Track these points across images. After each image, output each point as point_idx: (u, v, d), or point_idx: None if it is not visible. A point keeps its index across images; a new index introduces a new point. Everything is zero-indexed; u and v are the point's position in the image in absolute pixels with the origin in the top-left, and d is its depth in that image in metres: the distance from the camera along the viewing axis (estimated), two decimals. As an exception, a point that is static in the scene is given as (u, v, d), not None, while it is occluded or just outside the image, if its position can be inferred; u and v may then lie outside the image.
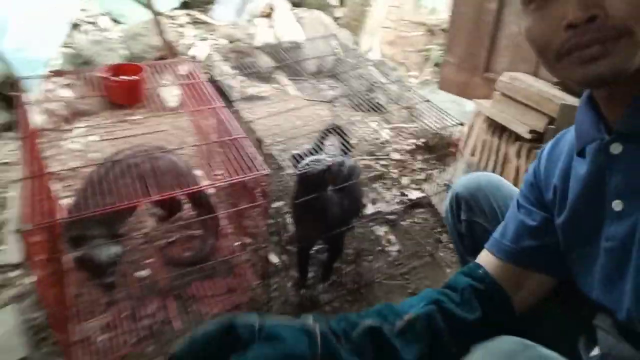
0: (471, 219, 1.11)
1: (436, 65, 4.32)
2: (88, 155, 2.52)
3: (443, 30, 4.45)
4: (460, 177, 1.26)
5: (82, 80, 2.92)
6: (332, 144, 2.09)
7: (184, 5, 3.88)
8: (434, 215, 2.25)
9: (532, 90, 2.16)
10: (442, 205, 2.08)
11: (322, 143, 1.89)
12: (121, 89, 1.59)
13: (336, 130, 1.90)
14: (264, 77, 3.23)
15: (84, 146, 2.62)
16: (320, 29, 3.52)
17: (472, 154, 2.44)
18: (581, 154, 0.77)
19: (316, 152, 1.78)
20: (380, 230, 2.14)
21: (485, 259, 0.92)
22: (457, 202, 1.15)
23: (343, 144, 1.88)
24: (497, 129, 2.33)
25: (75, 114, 2.84)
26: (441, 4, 4.95)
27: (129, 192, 1.25)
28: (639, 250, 0.67)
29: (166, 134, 2.66)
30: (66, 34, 3.29)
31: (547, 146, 0.91)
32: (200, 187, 1.64)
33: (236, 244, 1.95)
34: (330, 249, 1.77)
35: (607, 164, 0.71)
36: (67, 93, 2.89)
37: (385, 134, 2.93)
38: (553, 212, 0.85)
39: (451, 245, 2.09)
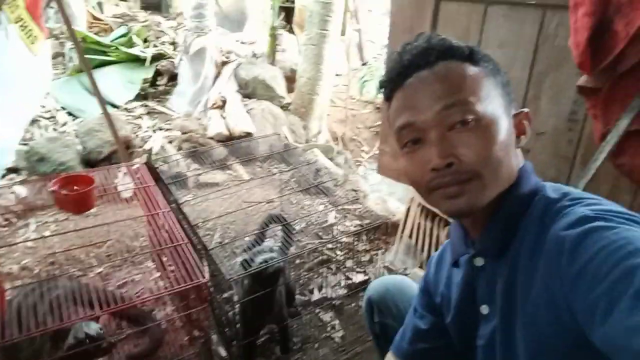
0: (383, 320, 1.25)
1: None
2: (41, 252, 2.55)
3: None
4: (372, 282, 1.41)
5: (36, 177, 3.03)
6: (274, 232, 2.24)
7: (142, 97, 4.09)
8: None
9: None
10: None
11: (263, 234, 2.05)
12: (71, 200, 1.70)
13: (277, 219, 2.06)
14: (217, 165, 3.41)
15: (36, 242, 2.66)
16: (269, 118, 3.77)
17: (410, 236, 2.64)
18: (456, 264, 0.94)
19: (258, 243, 1.94)
20: (327, 316, 2.25)
21: (391, 359, 1.07)
22: (370, 305, 1.29)
23: (285, 232, 2.03)
24: (430, 213, 2.55)
25: (28, 210, 2.89)
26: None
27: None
28: (500, 348, 0.82)
29: (119, 225, 2.74)
30: (24, 130, 3.40)
31: (435, 256, 1.09)
32: (135, 302, 1.73)
33: (185, 338, 2.01)
34: (281, 336, 1.91)
35: (474, 274, 0.88)
36: (21, 189, 2.96)
37: (332, 216, 3.11)
38: (443, 315, 1.01)
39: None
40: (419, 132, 0.80)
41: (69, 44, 4.37)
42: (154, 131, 3.54)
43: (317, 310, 2.25)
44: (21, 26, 2.38)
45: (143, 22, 4.82)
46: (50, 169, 2.93)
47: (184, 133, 3.45)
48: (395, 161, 3.02)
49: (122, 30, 4.58)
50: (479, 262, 0.86)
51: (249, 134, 3.54)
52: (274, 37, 4.49)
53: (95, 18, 5.02)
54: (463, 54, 0.80)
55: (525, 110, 0.85)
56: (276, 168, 3.59)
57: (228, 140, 3.41)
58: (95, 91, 2.83)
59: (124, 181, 3.16)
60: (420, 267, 2.51)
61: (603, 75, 1.70)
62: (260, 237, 2.03)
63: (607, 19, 1.64)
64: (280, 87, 4.16)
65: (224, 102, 3.75)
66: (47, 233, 2.77)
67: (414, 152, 0.82)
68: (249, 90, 4.00)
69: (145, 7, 6.10)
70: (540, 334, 0.72)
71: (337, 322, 2.21)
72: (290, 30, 5.99)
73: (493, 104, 0.78)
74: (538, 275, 0.72)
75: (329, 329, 2.17)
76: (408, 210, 2.76)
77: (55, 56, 4.43)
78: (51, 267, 2.50)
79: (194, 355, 1.91)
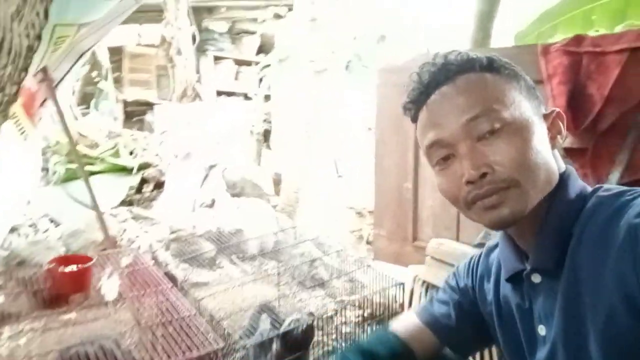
0: None
1: (368, 243, 4.63)
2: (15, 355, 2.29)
3: (370, 212, 4.88)
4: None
5: (14, 282, 2.84)
6: (264, 322, 2.13)
7: (127, 204, 4.06)
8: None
9: (457, 254, 2.40)
10: None
11: (256, 322, 1.95)
12: (68, 278, 1.60)
13: (265, 309, 1.99)
14: (207, 263, 3.29)
15: (10, 351, 2.39)
16: (258, 214, 3.77)
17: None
18: (509, 280, 0.89)
19: (251, 332, 1.84)
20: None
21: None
22: None
23: (273, 322, 1.93)
24: (435, 290, 2.48)
25: (3, 318, 2.65)
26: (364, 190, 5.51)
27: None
28: None
29: (102, 328, 2.53)
30: (2, 238, 3.27)
31: (465, 265, 1.06)
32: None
33: None
34: None
35: (531, 292, 0.83)
36: (-3, 297, 2.74)
37: (331, 308, 2.96)
38: (487, 326, 0.97)
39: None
40: (449, 147, 0.81)
41: (53, 159, 4.43)
42: (141, 232, 3.46)
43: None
44: (15, 122, 2.43)
45: (130, 135, 4.98)
46: (31, 273, 2.76)
47: (172, 232, 3.39)
48: (390, 244, 3.01)
49: (110, 143, 4.70)
50: (536, 278, 0.81)
51: (239, 231, 3.50)
52: (260, 142, 4.70)
53: (81, 135, 5.16)
54: (482, 64, 0.82)
55: (557, 109, 0.86)
56: (268, 264, 3.49)
57: (217, 238, 3.35)
58: (88, 190, 2.83)
59: (109, 283, 3.01)
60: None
61: (586, 135, 1.83)
62: (252, 326, 1.95)
63: (580, 84, 1.81)
64: (267, 186, 4.24)
65: (213, 201, 3.76)
66: (21, 342, 2.51)
67: (447, 168, 0.82)
68: (237, 190, 4.05)
69: (129, 127, 6.33)
70: (619, 334, 0.67)
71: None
72: (268, 147, 6.30)
73: (520, 108, 0.79)
74: (607, 272, 0.68)
75: None
76: (411, 292, 2.68)
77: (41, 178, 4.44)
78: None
79: None
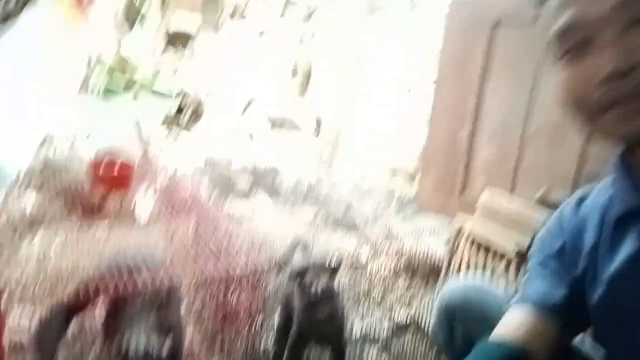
0: (468, 330, 0.96)
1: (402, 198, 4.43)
2: (45, 264, 2.28)
3: (403, 169, 4.62)
4: (445, 287, 1.15)
5: (49, 189, 2.82)
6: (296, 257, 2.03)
7: (164, 128, 3.98)
8: (424, 338, 2.09)
9: (512, 209, 2.22)
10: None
11: (289, 256, 1.84)
12: (109, 174, 1.50)
13: (298, 244, 1.87)
14: (241, 195, 3.20)
15: (41, 255, 2.39)
16: (296, 153, 3.64)
17: (458, 273, 2.38)
18: (620, 224, 0.70)
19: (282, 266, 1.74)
20: (369, 354, 1.94)
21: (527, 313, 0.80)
22: (450, 313, 1.01)
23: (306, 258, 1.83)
24: (482, 246, 2.31)
25: (36, 222, 2.64)
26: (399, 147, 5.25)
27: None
28: None
29: (135, 244, 2.49)
30: (38, 146, 3.25)
31: (563, 215, 0.83)
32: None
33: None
34: None
35: None
36: (31, 201, 2.73)
37: (365, 253, 2.85)
38: (585, 292, 0.77)
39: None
40: (588, 31, 0.62)
41: (95, 72, 4.34)
42: (176, 157, 3.38)
43: (359, 348, 1.96)
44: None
45: (171, 61, 4.84)
46: (66, 182, 2.72)
47: (207, 161, 3.29)
48: (435, 194, 2.84)
49: (151, 67, 4.59)
50: None
51: (275, 168, 3.38)
52: (303, 83, 4.49)
53: (122, 57, 5.06)
54: None
55: None
56: (301, 204, 3.38)
57: (255, 171, 3.24)
58: (130, 109, 2.76)
59: (144, 201, 2.97)
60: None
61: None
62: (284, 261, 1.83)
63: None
64: (308, 125, 4.07)
65: (251, 135, 3.63)
66: (53, 246, 2.50)
67: (579, 60, 0.64)
68: (277, 126, 3.91)
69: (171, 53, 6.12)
70: None
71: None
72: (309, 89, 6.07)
73: None
74: None
75: (376, 367, 1.86)
76: (454, 245, 2.53)
77: (81, 86, 4.39)
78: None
79: None
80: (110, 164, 1.52)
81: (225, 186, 3.07)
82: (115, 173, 1.50)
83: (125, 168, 1.53)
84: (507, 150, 2.43)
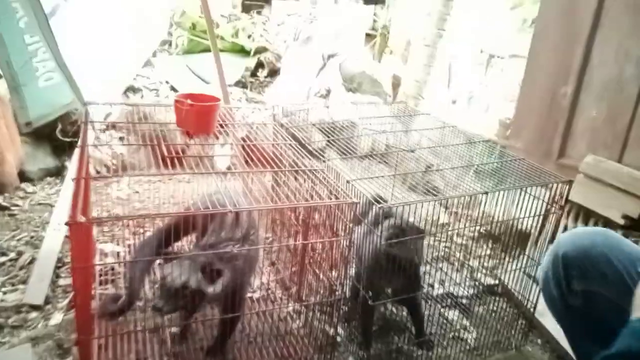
0: (589, 288, 0.84)
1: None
2: (131, 205, 2.37)
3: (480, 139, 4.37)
4: (563, 234, 1.01)
5: (135, 136, 2.91)
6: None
7: (241, 85, 3.99)
8: (511, 304, 1.94)
9: (622, 173, 1.97)
10: (524, 293, 1.81)
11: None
12: (193, 115, 1.47)
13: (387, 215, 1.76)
14: (315, 154, 3.14)
15: (127, 196, 2.49)
16: (374, 111, 3.50)
17: (551, 243, 2.18)
18: None
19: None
20: (452, 315, 1.84)
21: None
22: (566, 266, 0.90)
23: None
24: (581, 214, 2.10)
25: (123, 167, 2.76)
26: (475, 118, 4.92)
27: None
28: None
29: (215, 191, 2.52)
30: (126, 93, 3.37)
31: None
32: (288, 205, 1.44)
33: (289, 308, 1.68)
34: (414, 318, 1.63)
35: None
36: (117, 149, 2.84)
37: (444, 217, 2.71)
38: None
39: (539, 340, 1.75)
40: None
41: (177, 31, 4.42)
42: (252, 111, 3.37)
43: (439, 306, 1.86)
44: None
45: (249, 19, 4.83)
46: (151, 130, 2.79)
47: (284, 116, 3.24)
48: (528, 158, 2.61)
49: (229, 26, 4.59)
50: None
51: (352, 125, 3.26)
52: (384, 37, 4.30)
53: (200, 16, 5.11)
54: None
55: None
56: (377, 165, 3.26)
57: (329, 129, 3.14)
58: (217, 65, 2.76)
59: (222, 151, 3.00)
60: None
61: None
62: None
63: None
64: (387, 84, 3.90)
65: (328, 92, 3.54)
66: (138, 189, 2.60)
67: None
68: (354, 84, 3.78)
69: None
70: None
71: (466, 322, 1.79)
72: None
73: None
74: None
75: (457, 328, 1.75)
76: (546, 211, 2.32)
77: (162, 44, 4.49)
78: (142, 220, 2.31)
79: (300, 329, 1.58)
80: (196, 99, 1.49)
81: (300, 142, 3.01)
82: (200, 110, 1.47)
83: (209, 108, 1.50)
84: (618, 110, 2.15)
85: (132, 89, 3.44)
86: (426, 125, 2.34)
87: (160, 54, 4.20)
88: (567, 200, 2.15)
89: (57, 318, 1.57)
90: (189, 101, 1.47)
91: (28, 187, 2.51)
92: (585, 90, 2.31)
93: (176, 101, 1.51)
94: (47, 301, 1.65)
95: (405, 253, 1.44)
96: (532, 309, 1.69)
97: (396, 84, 4.15)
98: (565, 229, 2.13)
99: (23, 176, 2.54)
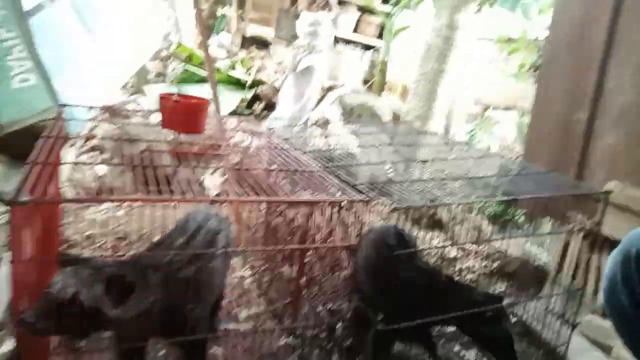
0: None
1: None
2: (109, 228, 2.15)
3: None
4: (632, 231, 0.84)
5: (121, 158, 2.73)
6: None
7: (236, 116, 3.86)
8: (533, 342, 1.71)
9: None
10: (546, 332, 1.60)
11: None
12: (180, 112, 1.30)
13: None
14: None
15: (106, 221, 2.27)
16: (375, 144, 3.37)
17: (573, 278, 1.98)
18: None
19: None
20: (470, 354, 1.60)
21: None
22: (636, 264, 0.74)
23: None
24: (606, 245, 1.91)
25: (104, 189, 2.55)
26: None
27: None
28: None
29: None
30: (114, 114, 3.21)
31: None
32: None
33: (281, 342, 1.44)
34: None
35: None
36: (102, 168, 2.66)
37: (453, 252, 2.50)
38: None
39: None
40: None
41: (172, 64, 4.36)
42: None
43: (454, 345, 1.62)
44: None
45: (248, 54, 4.79)
46: (138, 152, 2.61)
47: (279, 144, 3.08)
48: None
49: (227, 60, 4.55)
50: None
51: (350, 155, 3.11)
52: (383, 72, 4.24)
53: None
54: None
55: None
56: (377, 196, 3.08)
57: (326, 157, 2.98)
58: (213, 93, 2.64)
59: (213, 177, 2.81)
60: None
61: None
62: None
63: None
64: (387, 118, 3.79)
65: (326, 122, 3.40)
66: (119, 213, 2.38)
67: None
68: (354, 117, 3.66)
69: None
70: None
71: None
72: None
73: None
74: None
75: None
76: (566, 245, 2.13)
77: (159, 75, 4.42)
78: (119, 242, 2.08)
79: None
80: (184, 98, 1.33)
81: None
82: (185, 112, 1.30)
83: (196, 106, 1.33)
84: (638, 137, 2.02)
85: (121, 115, 3.29)
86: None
87: (154, 84, 4.11)
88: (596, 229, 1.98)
89: (9, 345, 1.33)
90: (175, 96, 1.30)
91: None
92: (601, 116, 2.19)
93: (161, 97, 1.34)
94: (1, 327, 1.42)
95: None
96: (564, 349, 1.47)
97: (396, 115, 4.04)
98: (587, 264, 1.94)
99: (-6, 196, 2.32)
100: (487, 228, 2.77)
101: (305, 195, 1.22)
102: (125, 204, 2.45)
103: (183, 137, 2.99)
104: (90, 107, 1.61)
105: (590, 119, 2.22)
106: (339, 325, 1.38)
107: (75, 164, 2.40)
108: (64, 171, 2.46)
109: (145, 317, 0.95)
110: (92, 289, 0.87)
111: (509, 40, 4.36)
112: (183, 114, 1.31)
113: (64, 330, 0.89)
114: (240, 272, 1.98)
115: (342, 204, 1.18)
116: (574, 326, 1.70)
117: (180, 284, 1.03)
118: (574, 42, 2.28)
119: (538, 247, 2.44)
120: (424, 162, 1.68)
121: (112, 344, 1.07)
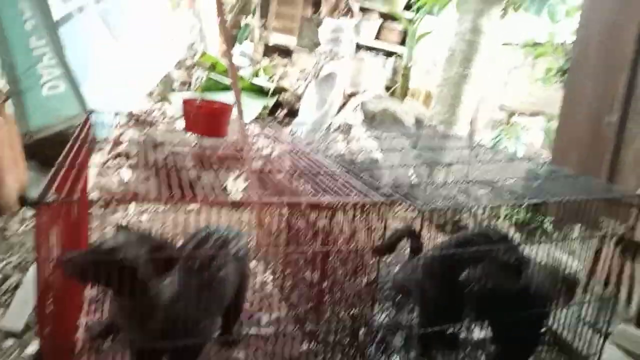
0: None
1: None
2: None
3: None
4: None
5: (146, 164, 2.78)
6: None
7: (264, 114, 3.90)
8: (564, 352, 1.66)
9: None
10: (577, 341, 1.54)
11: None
12: (204, 116, 1.31)
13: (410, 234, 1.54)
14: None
15: (130, 225, 2.31)
16: (397, 148, 3.34)
17: (605, 285, 1.90)
18: None
19: None
20: None
21: None
22: None
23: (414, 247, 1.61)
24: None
25: (130, 195, 2.59)
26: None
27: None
28: None
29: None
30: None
31: None
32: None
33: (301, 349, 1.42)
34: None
35: None
36: (127, 174, 2.71)
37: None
38: None
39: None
40: None
41: (196, 73, 4.43)
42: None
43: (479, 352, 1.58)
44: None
45: (270, 62, 4.84)
46: (163, 158, 2.65)
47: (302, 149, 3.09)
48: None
49: (250, 68, 4.60)
50: None
51: (374, 161, 3.09)
52: (406, 78, 4.21)
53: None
54: None
55: None
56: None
57: (348, 163, 2.97)
58: (237, 101, 2.67)
59: (236, 182, 2.83)
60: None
61: None
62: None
63: None
64: (410, 124, 3.75)
65: (349, 128, 3.40)
66: (144, 217, 2.42)
67: None
68: (376, 122, 3.64)
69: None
70: None
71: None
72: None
73: None
74: None
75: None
76: (598, 252, 2.06)
77: (183, 83, 4.50)
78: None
79: None
80: (207, 103, 1.34)
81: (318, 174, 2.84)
82: (210, 110, 1.31)
83: (220, 110, 1.34)
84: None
85: (146, 122, 3.36)
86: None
87: (179, 92, 4.18)
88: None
89: (34, 346, 1.36)
90: (198, 101, 1.31)
91: (28, 212, 2.36)
92: (632, 118, 2.12)
93: (185, 102, 1.35)
94: (27, 328, 1.45)
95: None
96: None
97: (419, 120, 4.00)
98: (621, 269, 1.87)
99: (25, 201, 2.39)
100: (514, 235, 2.70)
101: (328, 198, 1.21)
102: (150, 208, 2.49)
103: (206, 141, 3.02)
104: (117, 114, 1.64)
105: (621, 121, 2.15)
106: (362, 330, 1.35)
107: (103, 166, 2.45)
108: (90, 177, 2.52)
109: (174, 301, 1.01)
110: (136, 250, 0.94)
111: (535, 44, 4.27)
112: (206, 118, 1.32)
113: (99, 278, 0.92)
114: (261, 277, 1.98)
115: (366, 207, 1.16)
116: (606, 336, 1.64)
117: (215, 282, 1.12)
118: (603, 42, 2.22)
119: (568, 255, 2.36)
120: (449, 165, 1.65)
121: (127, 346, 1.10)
